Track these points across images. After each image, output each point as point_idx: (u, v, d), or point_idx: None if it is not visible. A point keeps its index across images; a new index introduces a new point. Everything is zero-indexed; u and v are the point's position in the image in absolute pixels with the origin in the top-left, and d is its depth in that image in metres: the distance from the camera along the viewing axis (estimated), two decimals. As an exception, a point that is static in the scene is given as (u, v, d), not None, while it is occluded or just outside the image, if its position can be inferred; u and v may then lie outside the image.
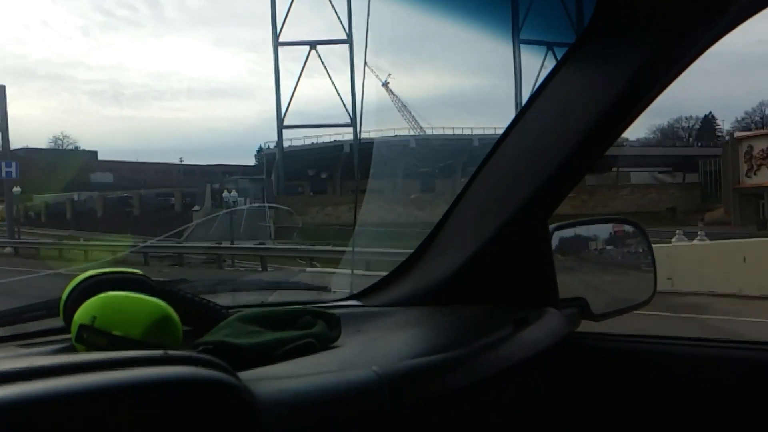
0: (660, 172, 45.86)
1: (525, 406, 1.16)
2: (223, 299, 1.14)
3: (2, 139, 31.81)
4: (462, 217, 1.32)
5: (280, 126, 43.63)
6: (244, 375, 0.71)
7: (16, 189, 34.73)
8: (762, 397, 1.15)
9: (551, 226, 1.34)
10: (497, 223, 1.24)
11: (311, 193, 44.05)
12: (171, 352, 0.59)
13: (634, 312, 1.44)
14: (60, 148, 62.91)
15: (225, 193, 36.37)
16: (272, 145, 46.86)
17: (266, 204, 32.15)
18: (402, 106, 44.21)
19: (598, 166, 43.03)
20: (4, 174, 30.65)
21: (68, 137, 65.34)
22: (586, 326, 1.38)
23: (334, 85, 42.90)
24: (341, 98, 41.75)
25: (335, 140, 44.33)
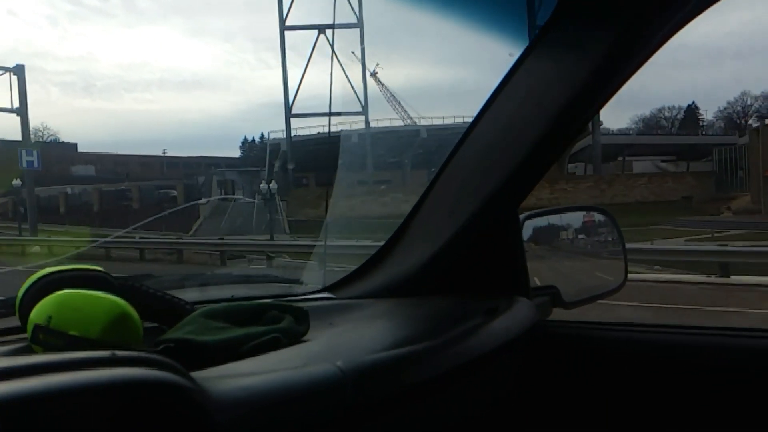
0: (663, 161, 45.80)
1: (495, 396, 1.16)
2: (191, 294, 1.12)
3: (22, 125, 29.16)
4: (432, 208, 1.32)
5: (288, 114, 42.30)
6: (205, 373, 0.70)
7: (16, 182, 32.81)
8: (734, 382, 1.17)
9: (522, 216, 1.35)
10: (467, 213, 1.24)
11: (315, 185, 41.97)
12: (119, 352, 0.57)
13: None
14: (40, 140, 61.32)
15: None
16: (276, 135, 45.54)
17: (277, 197, 30.89)
18: (391, 96, 43.87)
19: (605, 154, 40.34)
20: (25, 163, 28.16)
21: (48, 129, 63.64)
22: (559, 315, 1.39)
23: (344, 73, 40.08)
24: (352, 86, 39.57)
25: (342, 130, 43.54)
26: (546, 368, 1.27)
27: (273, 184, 27.38)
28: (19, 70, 28.38)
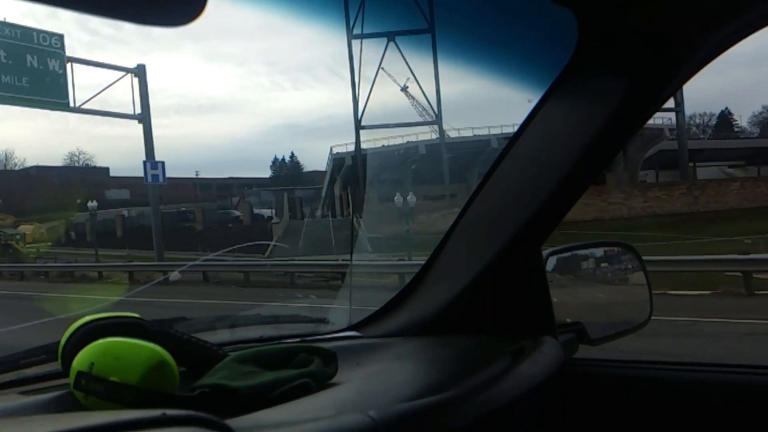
0: (729, 167, 44.00)
1: None
2: (222, 335, 1.19)
3: (144, 131, 24.07)
4: (457, 247, 1.34)
5: (358, 127, 39.29)
6: (240, 422, 0.73)
7: (92, 204, 31.34)
8: (761, 422, 1.16)
9: (545, 252, 1.36)
10: (491, 252, 1.26)
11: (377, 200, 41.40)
12: (169, 412, 0.60)
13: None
14: (74, 164, 61.87)
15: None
16: (339, 150, 42.86)
17: (353, 214, 29.68)
18: (423, 111, 43.22)
19: (670, 161, 38.99)
20: (150, 178, 23.68)
21: (84, 153, 64.07)
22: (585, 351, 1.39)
23: (417, 82, 38.37)
24: (425, 95, 38.33)
25: (408, 141, 40.79)
26: (572, 409, 1.27)
27: (411, 197, 25.40)
28: (140, 71, 24.11)
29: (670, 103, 37.30)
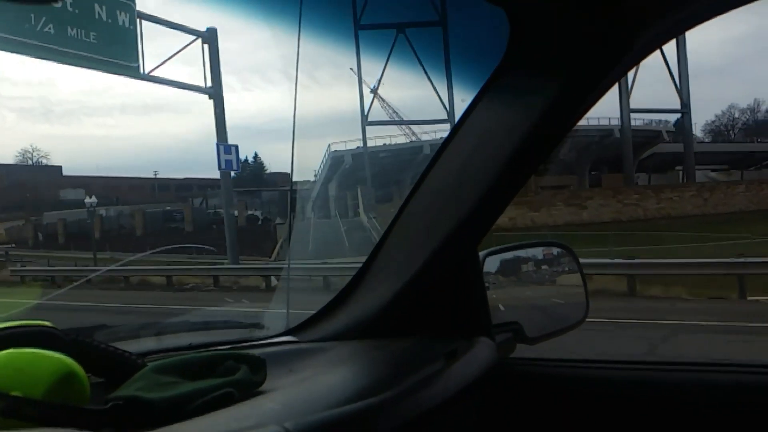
0: (713, 171, 44.55)
1: None
2: (147, 344, 1.12)
3: (215, 107, 19.69)
4: (393, 249, 1.33)
5: (364, 123, 36.63)
6: None
7: (90, 200, 28.20)
8: (695, 418, 1.18)
9: (482, 253, 1.36)
10: (427, 253, 1.25)
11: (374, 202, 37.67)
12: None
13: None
14: (28, 162, 57.25)
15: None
16: (338, 147, 40.74)
17: (367, 214, 28.72)
18: (393, 113, 41.37)
19: (660, 165, 39.53)
20: (222, 164, 18.70)
21: (38, 150, 59.02)
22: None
23: (429, 78, 36.82)
24: (437, 92, 35.45)
25: (412, 140, 40.15)
26: (507, 408, 1.27)
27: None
28: (211, 36, 19.68)
29: (676, 103, 37.64)
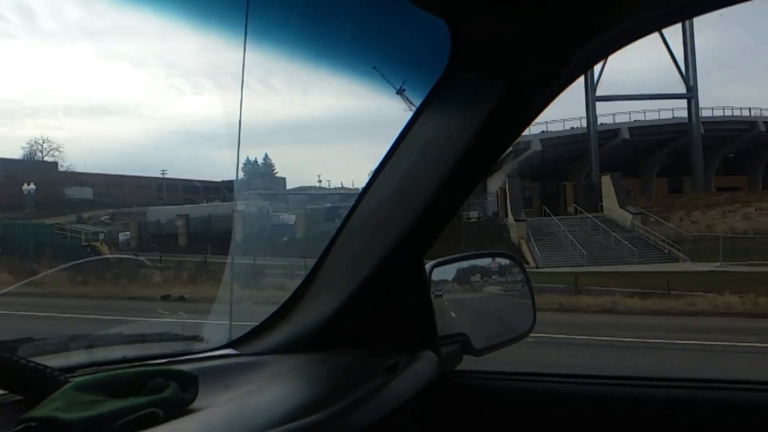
0: None
1: None
2: (77, 357, 1.09)
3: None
4: (337, 260, 1.31)
5: (593, 97, 32.35)
6: None
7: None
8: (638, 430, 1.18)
9: (429, 264, 1.35)
10: (371, 264, 1.24)
11: (539, 199, 33.11)
12: None
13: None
14: (36, 154, 51.35)
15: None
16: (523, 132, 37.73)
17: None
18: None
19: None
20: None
21: (48, 141, 50.73)
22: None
23: (665, 43, 32.08)
24: (677, 65, 32.83)
25: (602, 123, 35.02)
26: (450, 421, 1.26)
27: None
28: None
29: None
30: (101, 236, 29.74)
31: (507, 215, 29.23)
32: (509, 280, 1.55)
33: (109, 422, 0.81)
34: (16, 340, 1.04)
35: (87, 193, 47.04)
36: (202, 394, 0.95)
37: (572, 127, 35.61)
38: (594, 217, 28.84)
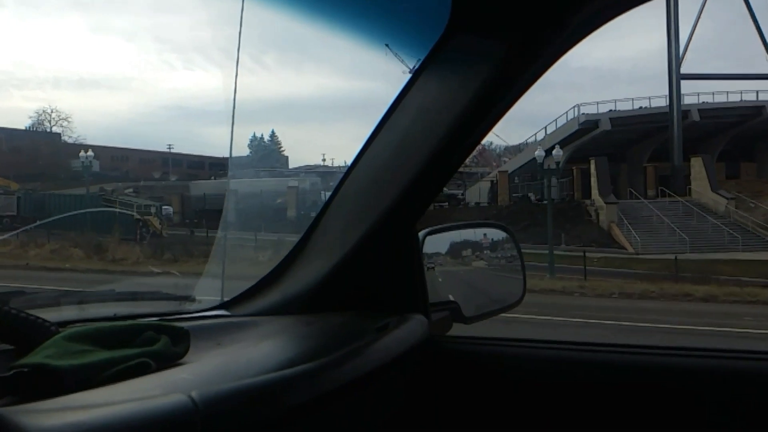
0: None
1: (383, 412, 1.16)
2: (68, 313, 1.09)
3: None
4: (330, 224, 1.31)
5: (677, 74, 29.87)
6: (47, 404, 0.66)
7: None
8: (625, 398, 1.20)
9: (422, 232, 1.36)
10: (363, 229, 1.24)
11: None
12: None
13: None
14: (43, 124, 49.85)
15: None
16: (590, 110, 32.30)
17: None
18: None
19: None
20: None
21: (57, 111, 49.54)
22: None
23: (758, 28, 30.77)
24: (765, 43, 30.88)
25: (641, 107, 33.31)
26: (438, 384, 1.28)
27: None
28: None
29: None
30: (153, 210, 28.44)
31: (591, 197, 27.32)
32: (502, 250, 1.55)
33: (101, 370, 0.82)
34: (8, 292, 1.05)
35: (93, 165, 47.13)
36: (194, 349, 0.96)
37: (641, 107, 33.57)
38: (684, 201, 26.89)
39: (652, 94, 33.95)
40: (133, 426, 0.65)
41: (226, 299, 1.31)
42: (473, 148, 1.29)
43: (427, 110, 1.21)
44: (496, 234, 1.56)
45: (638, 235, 24.02)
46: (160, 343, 0.92)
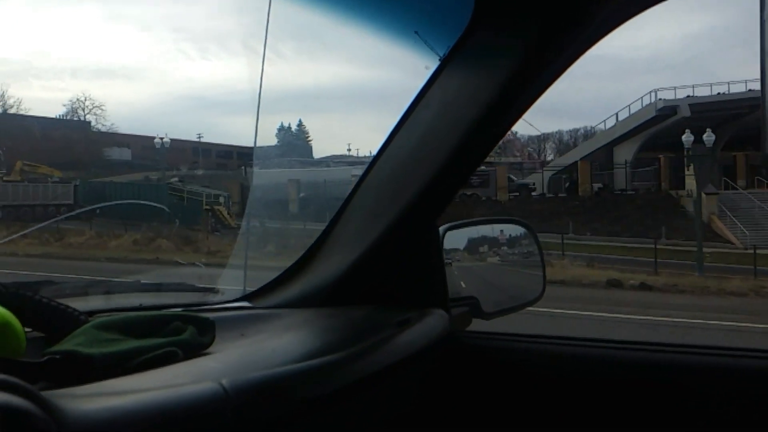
0: None
1: (402, 406, 1.17)
2: (94, 302, 1.11)
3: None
4: (352, 218, 1.32)
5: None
6: (81, 390, 0.68)
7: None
8: (644, 396, 1.19)
9: (442, 227, 1.36)
10: (385, 223, 1.25)
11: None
12: None
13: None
14: (77, 112, 47.13)
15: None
16: (668, 95, 29.79)
17: None
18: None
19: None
20: None
21: (91, 99, 45.96)
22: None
23: None
24: None
25: (750, 90, 28.36)
26: (458, 379, 1.29)
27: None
28: None
29: None
30: (221, 199, 27.09)
31: (685, 187, 25.84)
32: (521, 245, 1.55)
33: (130, 359, 0.84)
34: (37, 282, 1.07)
35: (126, 154, 44.72)
36: (219, 339, 0.97)
37: (719, 93, 30.81)
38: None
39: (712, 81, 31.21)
40: (166, 411, 0.66)
41: (248, 291, 1.34)
42: (496, 144, 1.28)
43: (449, 105, 1.21)
44: (515, 230, 1.56)
45: (745, 229, 22.75)
46: (187, 333, 0.94)
